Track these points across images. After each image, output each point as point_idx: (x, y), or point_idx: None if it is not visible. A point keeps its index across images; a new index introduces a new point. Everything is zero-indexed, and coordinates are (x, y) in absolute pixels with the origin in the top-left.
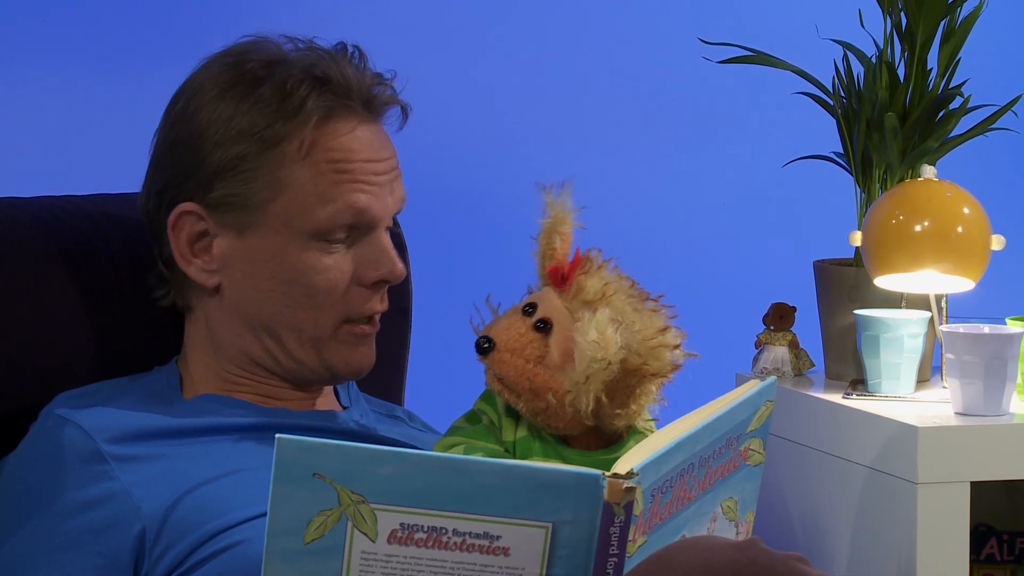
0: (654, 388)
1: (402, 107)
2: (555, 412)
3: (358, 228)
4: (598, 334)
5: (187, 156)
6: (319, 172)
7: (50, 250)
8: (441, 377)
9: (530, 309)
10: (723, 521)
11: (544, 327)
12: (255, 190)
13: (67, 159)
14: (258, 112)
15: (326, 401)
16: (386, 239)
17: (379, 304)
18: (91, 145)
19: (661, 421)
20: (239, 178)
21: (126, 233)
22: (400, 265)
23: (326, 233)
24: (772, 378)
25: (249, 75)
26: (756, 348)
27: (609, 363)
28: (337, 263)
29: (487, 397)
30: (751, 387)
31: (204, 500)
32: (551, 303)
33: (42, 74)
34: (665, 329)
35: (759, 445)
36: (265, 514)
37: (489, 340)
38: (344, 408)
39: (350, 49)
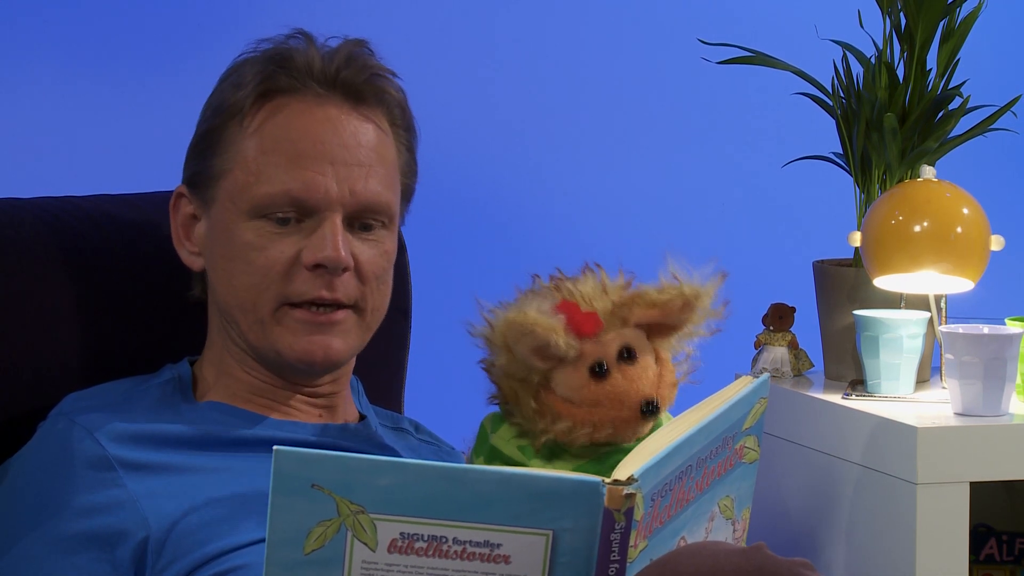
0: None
1: (397, 101)
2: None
3: (305, 210)
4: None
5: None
6: (263, 150)
7: (50, 251)
8: (441, 378)
9: (600, 367)
10: (720, 520)
11: (630, 355)
12: (212, 165)
13: (67, 159)
14: (224, 90)
15: (338, 414)
16: (332, 223)
17: (323, 291)
18: (91, 145)
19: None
20: (203, 154)
21: (126, 234)
22: (341, 252)
23: (265, 212)
24: (766, 375)
25: (243, 61)
26: (755, 348)
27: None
28: (279, 243)
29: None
30: (745, 385)
31: (208, 519)
32: (608, 340)
33: (42, 74)
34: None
35: (754, 442)
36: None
37: (652, 399)
38: (362, 418)
39: (349, 42)
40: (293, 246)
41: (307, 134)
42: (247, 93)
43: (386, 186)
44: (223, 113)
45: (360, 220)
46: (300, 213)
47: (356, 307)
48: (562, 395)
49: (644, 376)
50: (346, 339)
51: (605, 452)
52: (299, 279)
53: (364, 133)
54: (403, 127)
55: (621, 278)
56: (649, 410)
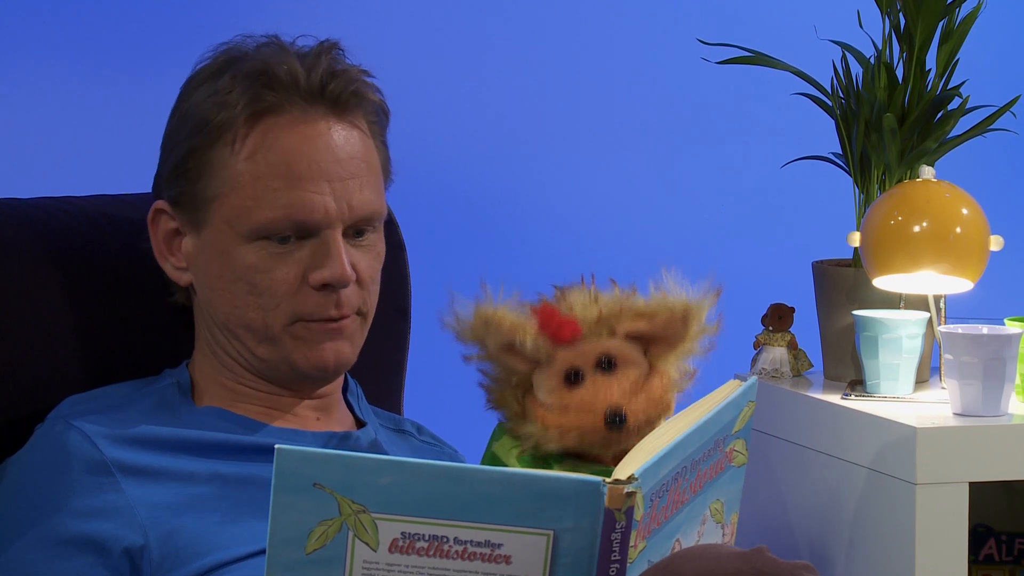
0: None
1: (376, 102)
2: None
3: (306, 230)
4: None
5: (163, 151)
6: (258, 175)
7: (49, 252)
8: (440, 379)
9: (575, 374)
10: (711, 523)
11: (609, 365)
12: (202, 188)
13: (67, 159)
14: (205, 107)
15: (333, 417)
16: (335, 240)
17: (332, 309)
18: (91, 145)
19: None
20: (190, 176)
21: (126, 235)
22: (347, 270)
23: (265, 234)
24: (754, 379)
25: (214, 71)
26: (755, 349)
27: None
28: (282, 262)
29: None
30: (734, 388)
31: (206, 531)
32: (587, 348)
33: (42, 74)
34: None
35: (742, 446)
36: (265, 552)
37: (618, 409)
38: (361, 425)
39: (324, 46)
40: (297, 265)
41: (302, 154)
42: (234, 115)
43: (377, 193)
44: (208, 134)
45: (355, 228)
46: (301, 232)
47: (359, 312)
48: (539, 398)
49: (616, 386)
50: (353, 342)
51: (597, 471)
52: (308, 299)
53: (352, 143)
54: (377, 121)
55: (617, 290)
56: (614, 421)
